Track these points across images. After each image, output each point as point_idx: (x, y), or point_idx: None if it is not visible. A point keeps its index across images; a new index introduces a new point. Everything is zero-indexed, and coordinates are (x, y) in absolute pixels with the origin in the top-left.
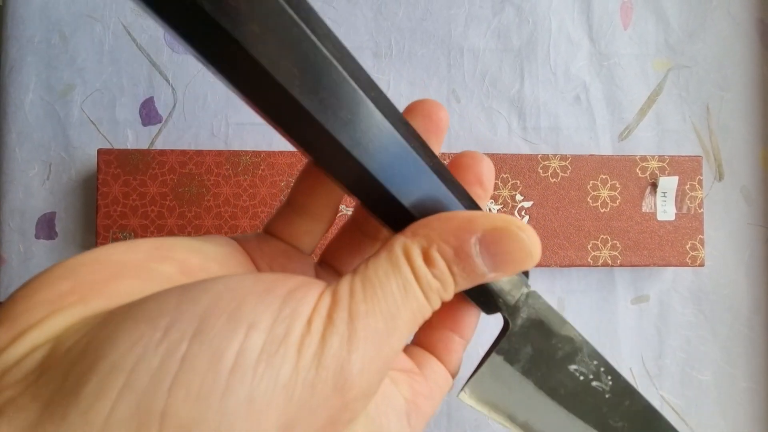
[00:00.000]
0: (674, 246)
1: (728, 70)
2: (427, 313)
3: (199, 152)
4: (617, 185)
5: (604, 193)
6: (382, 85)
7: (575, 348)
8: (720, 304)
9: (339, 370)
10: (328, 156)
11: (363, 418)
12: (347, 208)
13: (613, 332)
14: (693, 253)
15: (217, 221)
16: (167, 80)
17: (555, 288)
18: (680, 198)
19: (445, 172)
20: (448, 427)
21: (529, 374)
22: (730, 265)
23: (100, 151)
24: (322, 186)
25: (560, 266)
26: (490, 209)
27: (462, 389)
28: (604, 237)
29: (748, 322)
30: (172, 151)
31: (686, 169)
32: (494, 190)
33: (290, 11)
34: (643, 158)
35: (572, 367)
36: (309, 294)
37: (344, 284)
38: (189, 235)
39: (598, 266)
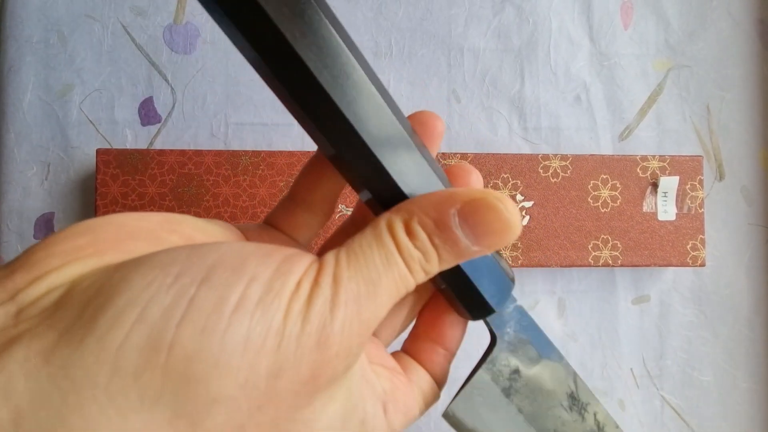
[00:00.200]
0: (675, 246)
1: (728, 70)
2: (410, 284)
3: (198, 152)
4: (618, 185)
5: (605, 193)
6: None
7: (560, 377)
8: (721, 305)
9: (321, 327)
10: (350, 149)
11: (344, 391)
12: (347, 208)
13: (613, 332)
14: (694, 253)
15: None
16: (166, 80)
17: (555, 288)
18: (681, 198)
19: (442, 174)
20: None
21: (513, 397)
22: (731, 266)
23: (98, 151)
24: (323, 181)
25: (561, 266)
26: None
27: (447, 408)
28: (605, 237)
29: (749, 322)
30: (171, 151)
31: (687, 169)
32: (495, 191)
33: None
34: (644, 158)
35: (555, 400)
36: (302, 260)
37: (331, 254)
38: None
39: (598, 266)
